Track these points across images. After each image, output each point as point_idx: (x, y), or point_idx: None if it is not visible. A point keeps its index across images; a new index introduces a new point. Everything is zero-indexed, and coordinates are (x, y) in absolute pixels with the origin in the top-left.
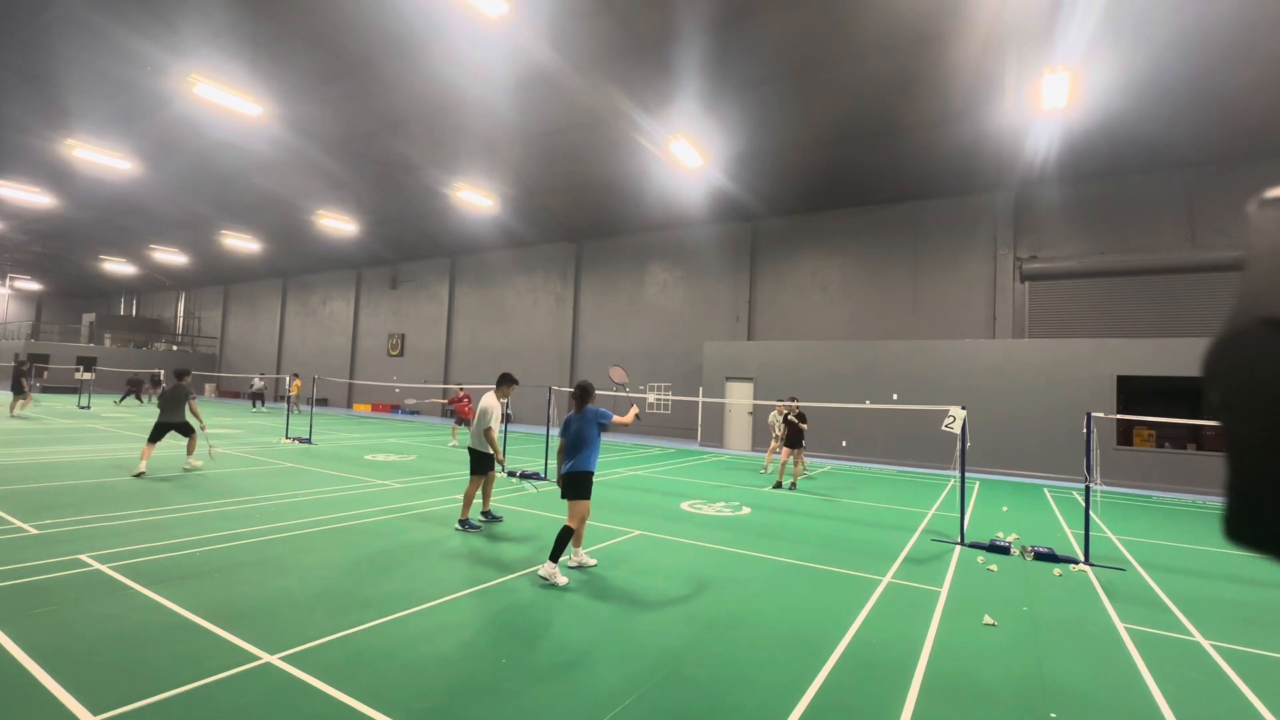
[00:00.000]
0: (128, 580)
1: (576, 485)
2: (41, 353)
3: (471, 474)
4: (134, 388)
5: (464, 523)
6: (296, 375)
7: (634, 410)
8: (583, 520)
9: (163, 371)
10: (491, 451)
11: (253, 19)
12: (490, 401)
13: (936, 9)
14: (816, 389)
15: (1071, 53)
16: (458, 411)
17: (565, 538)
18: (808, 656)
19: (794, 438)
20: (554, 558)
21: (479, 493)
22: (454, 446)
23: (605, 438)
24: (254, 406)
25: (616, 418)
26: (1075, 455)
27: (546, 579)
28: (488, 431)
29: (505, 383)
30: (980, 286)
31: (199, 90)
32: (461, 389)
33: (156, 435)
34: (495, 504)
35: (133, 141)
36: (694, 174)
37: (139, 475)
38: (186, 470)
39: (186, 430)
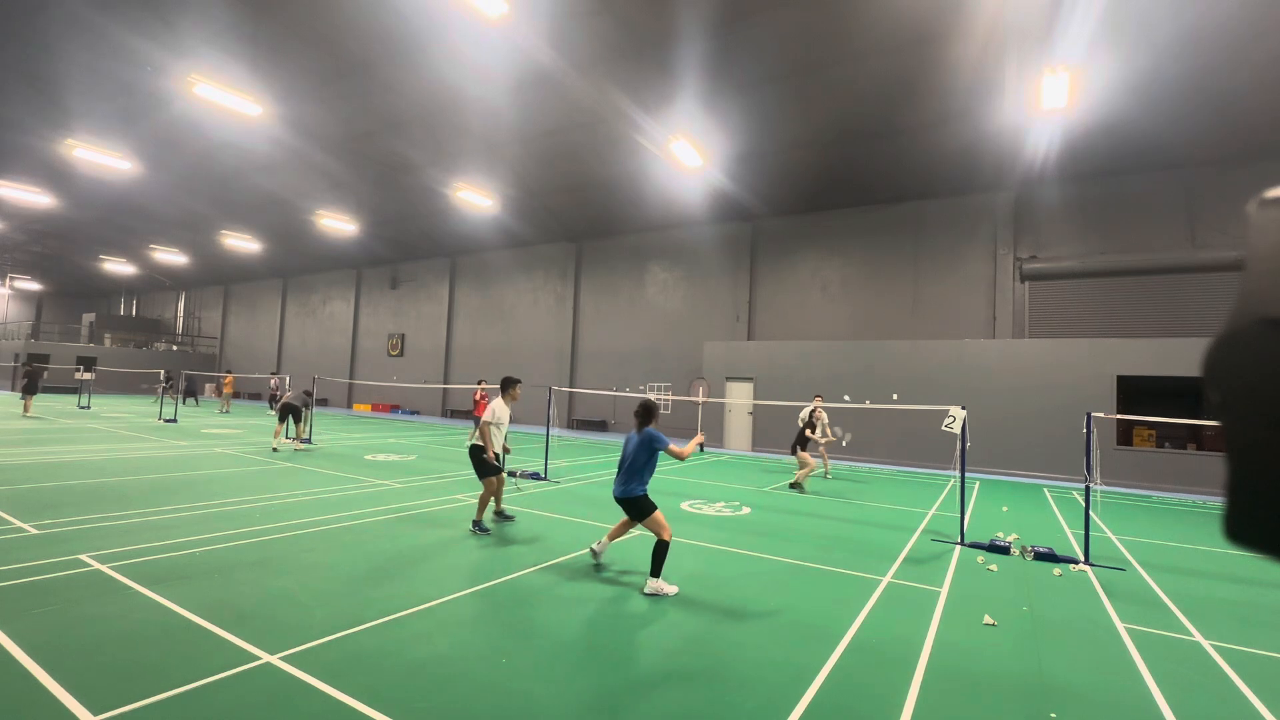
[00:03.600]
0: (128, 580)
1: (637, 509)
2: (41, 353)
3: (481, 477)
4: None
5: (477, 524)
6: (229, 372)
7: (697, 440)
8: (663, 528)
9: (165, 370)
10: (483, 445)
11: (253, 19)
12: (499, 405)
13: (936, 9)
14: (816, 389)
15: (1071, 53)
16: (476, 412)
17: (662, 552)
18: (808, 656)
19: (804, 441)
20: (655, 573)
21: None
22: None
23: (605, 437)
24: (271, 408)
25: (673, 446)
26: (1075, 455)
27: (653, 594)
28: (484, 426)
29: (511, 385)
30: (980, 286)
31: (199, 90)
32: (482, 384)
33: (282, 417)
34: None
35: (133, 141)
36: (694, 174)
37: (275, 450)
38: (295, 450)
39: (299, 415)
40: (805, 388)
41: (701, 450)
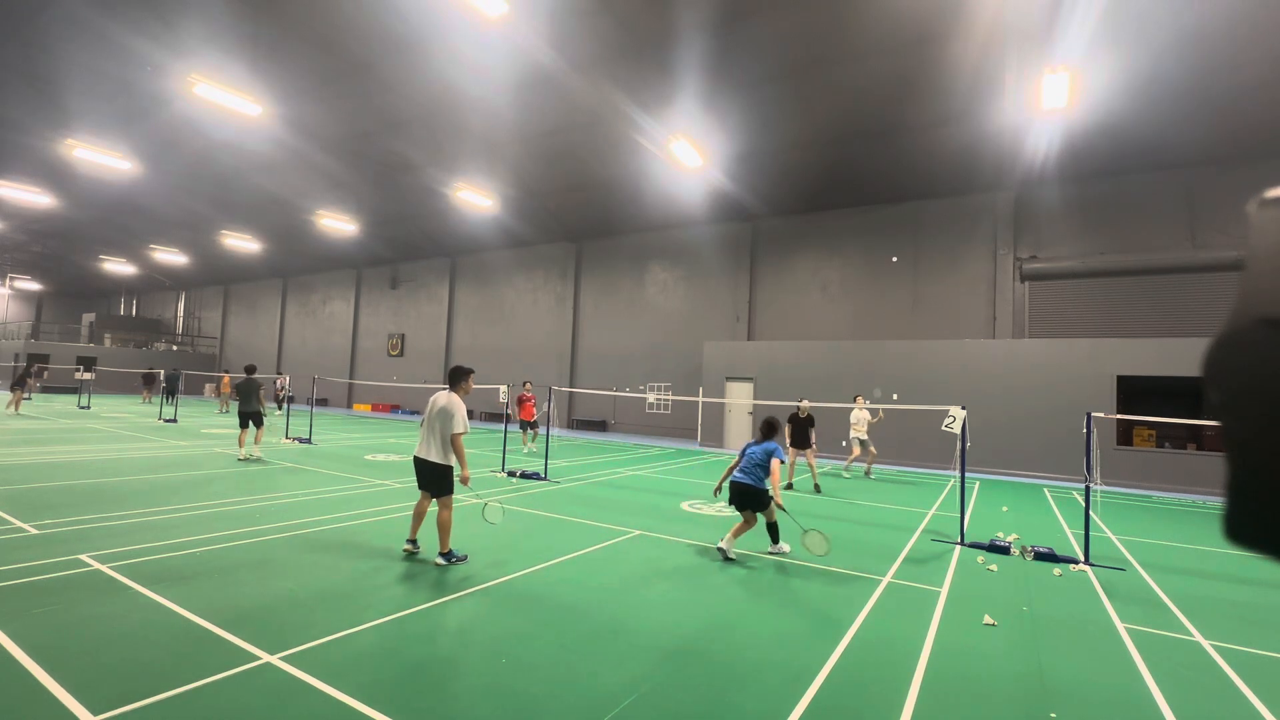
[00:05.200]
0: (128, 580)
1: (755, 500)
2: (41, 353)
3: (441, 495)
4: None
5: (449, 555)
6: (226, 372)
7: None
8: (773, 513)
9: (162, 370)
10: (455, 464)
11: (253, 19)
12: (453, 400)
13: (936, 9)
14: (817, 389)
15: (1071, 53)
16: (522, 413)
17: (775, 529)
18: (808, 656)
19: (800, 438)
20: (775, 540)
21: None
22: (528, 451)
23: (605, 437)
24: (279, 409)
25: (774, 469)
26: (1075, 455)
27: (777, 553)
28: (455, 438)
29: (464, 376)
30: (980, 286)
31: (199, 90)
32: (528, 385)
33: (243, 423)
34: (493, 504)
35: (133, 141)
36: (694, 174)
37: (242, 459)
38: (244, 460)
39: (258, 421)
40: (806, 388)
41: (789, 487)
